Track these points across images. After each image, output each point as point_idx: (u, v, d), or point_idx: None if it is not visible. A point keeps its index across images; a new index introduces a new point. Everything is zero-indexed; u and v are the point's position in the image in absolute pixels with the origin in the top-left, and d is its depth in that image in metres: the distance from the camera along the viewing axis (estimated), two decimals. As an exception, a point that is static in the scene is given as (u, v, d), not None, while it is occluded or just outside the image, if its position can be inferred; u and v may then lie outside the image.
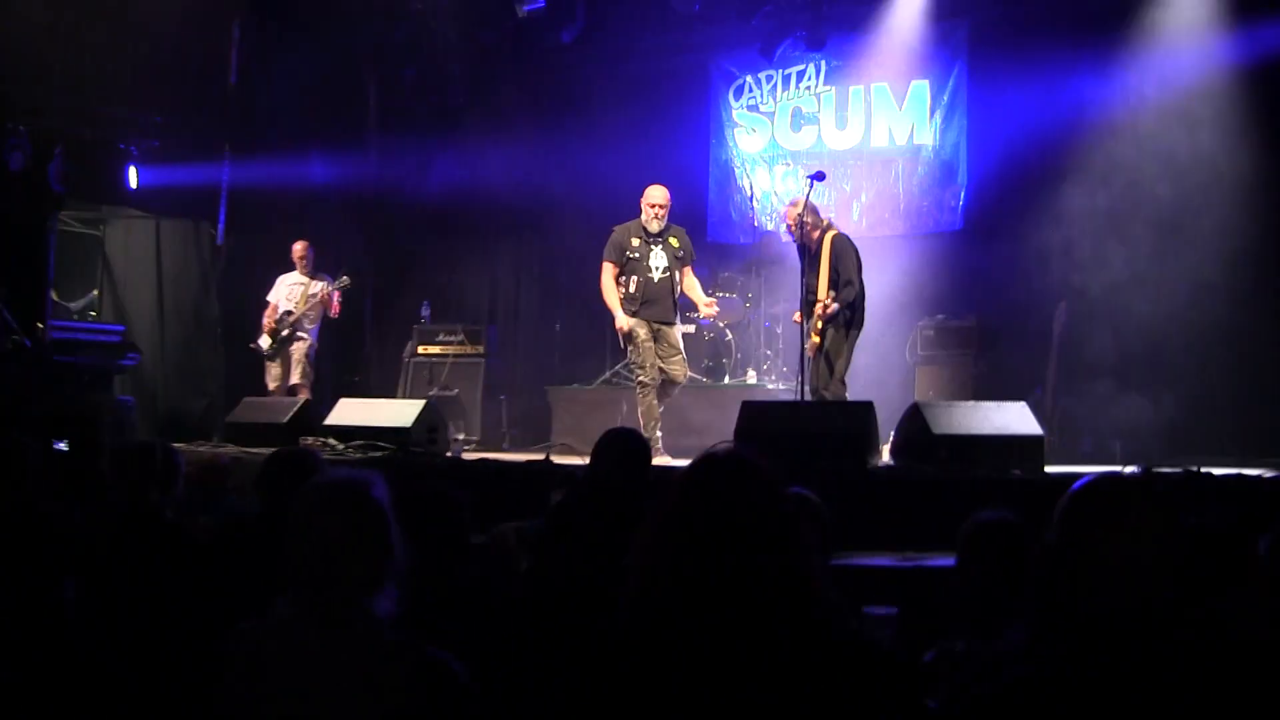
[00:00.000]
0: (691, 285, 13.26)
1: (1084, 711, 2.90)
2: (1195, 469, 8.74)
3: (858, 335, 12.41)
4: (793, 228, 12.50)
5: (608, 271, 12.92)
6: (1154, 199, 13.87)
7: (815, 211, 12.63)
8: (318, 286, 15.55)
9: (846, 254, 12.31)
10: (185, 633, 5.21)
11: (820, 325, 12.19)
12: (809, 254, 12.48)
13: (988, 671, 3.26)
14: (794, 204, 12.69)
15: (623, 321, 12.75)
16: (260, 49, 17.57)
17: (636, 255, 12.87)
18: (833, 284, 12.20)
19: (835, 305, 12.08)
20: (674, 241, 12.98)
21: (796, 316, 12.64)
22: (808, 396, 12.22)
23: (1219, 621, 3.20)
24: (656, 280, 12.83)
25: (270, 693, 3.54)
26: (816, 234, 12.40)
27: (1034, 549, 4.35)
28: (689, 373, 13.11)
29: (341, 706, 3.48)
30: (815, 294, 12.23)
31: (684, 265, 13.05)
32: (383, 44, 18.02)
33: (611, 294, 12.87)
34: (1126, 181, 14.07)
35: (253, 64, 17.61)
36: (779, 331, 15.49)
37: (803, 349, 12.26)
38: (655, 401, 12.70)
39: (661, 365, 12.68)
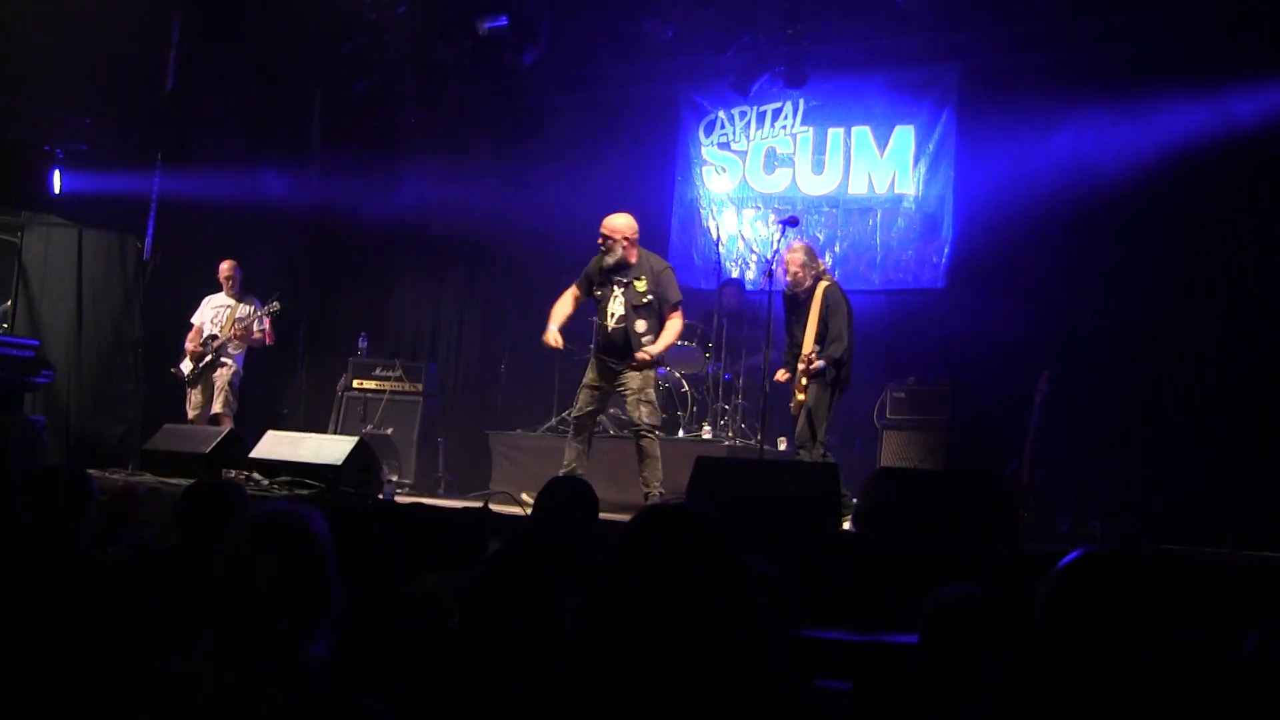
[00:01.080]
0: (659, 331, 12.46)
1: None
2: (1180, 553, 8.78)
3: (839, 395, 12.47)
4: (789, 274, 12.58)
5: (569, 291, 12.74)
6: (1150, 266, 13.88)
7: (815, 257, 12.73)
8: (245, 310, 15.52)
9: (839, 307, 12.41)
10: (91, 669, 5.17)
11: (805, 382, 12.24)
12: (797, 302, 12.54)
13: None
14: (793, 249, 12.77)
15: (548, 334, 12.51)
16: (201, 53, 17.51)
17: (599, 294, 12.54)
18: (819, 337, 12.26)
19: (820, 362, 12.13)
20: (639, 285, 12.29)
21: (781, 374, 12.68)
22: (769, 455, 12.24)
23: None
24: (610, 329, 12.41)
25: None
26: (807, 281, 12.47)
27: (1007, 627, 4.36)
28: (647, 420, 12.35)
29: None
30: (800, 347, 12.30)
31: (650, 313, 12.31)
32: (332, 55, 17.98)
33: (557, 309, 12.68)
34: (1119, 246, 14.08)
35: (192, 68, 17.56)
36: (739, 385, 15.45)
37: (765, 406, 12.29)
38: (573, 446, 12.47)
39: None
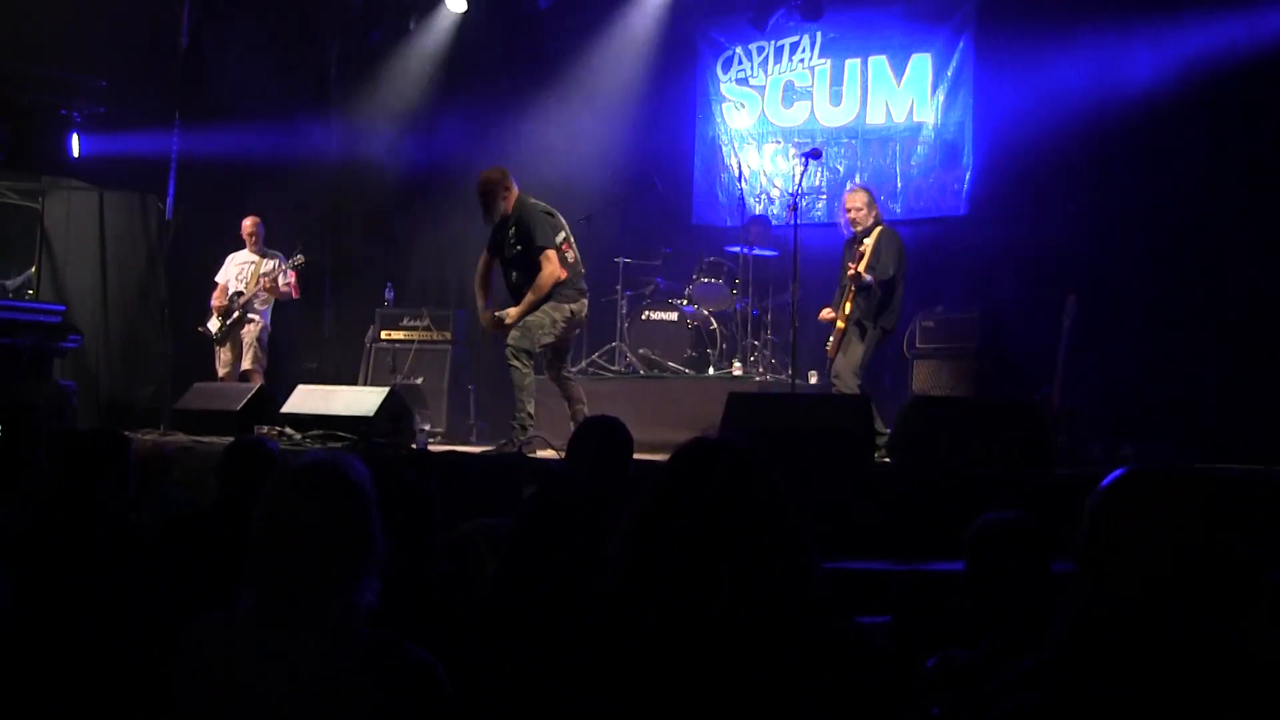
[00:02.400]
0: None
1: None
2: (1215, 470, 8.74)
3: (883, 336, 12.45)
4: (850, 214, 12.60)
5: (481, 259, 12.82)
6: (1175, 186, 13.77)
7: (873, 200, 12.75)
8: (269, 265, 15.49)
9: (893, 244, 12.42)
10: (135, 630, 5.17)
11: (848, 309, 12.23)
12: (855, 243, 12.54)
13: (1002, 692, 3.22)
14: (852, 192, 12.82)
15: (482, 318, 12.74)
16: (214, 10, 17.46)
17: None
18: (870, 268, 12.24)
19: (868, 275, 12.11)
20: (510, 234, 12.36)
21: (826, 312, 12.65)
22: (799, 390, 12.22)
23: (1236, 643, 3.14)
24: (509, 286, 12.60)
25: (233, 691, 3.45)
26: (867, 223, 12.50)
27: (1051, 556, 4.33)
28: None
29: (312, 706, 3.41)
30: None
31: (523, 264, 12.33)
32: (346, 6, 17.93)
33: (478, 283, 12.78)
34: (1145, 167, 13.97)
35: (206, 26, 17.51)
36: (768, 320, 15.42)
37: (795, 340, 12.26)
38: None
39: None
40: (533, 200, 12.39)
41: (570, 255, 12.23)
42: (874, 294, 12.31)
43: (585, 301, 12.64)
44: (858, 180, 16.41)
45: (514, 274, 12.27)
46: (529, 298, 12.08)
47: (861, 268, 12.23)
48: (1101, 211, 14.25)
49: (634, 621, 2.96)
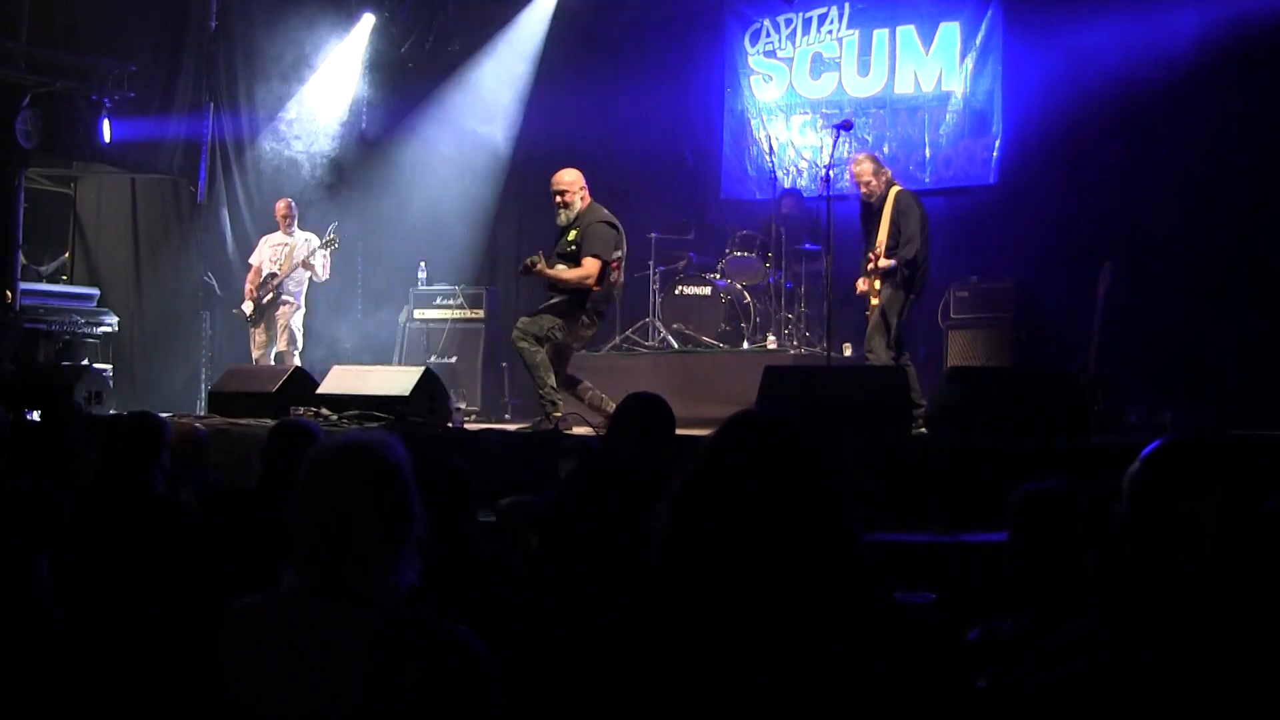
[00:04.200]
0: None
1: (1151, 712, 2.81)
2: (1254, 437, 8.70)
3: (915, 300, 12.42)
4: (861, 185, 12.55)
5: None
6: (1210, 150, 13.70)
7: (881, 163, 12.70)
8: (303, 246, 15.49)
9: (911, 211, 12.37)
10: (176, 610, 5.17)
11: (877, 286, 12.21)
12: (871, 210, 12.51)
13: (1045, 660, 3.19)
14: (857, 160, 12.75)
15: None
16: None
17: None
18: (892, 241, 12.22)
19: (889, 261, 12.10)
20: (570, 235, 12.40)
21: (861, 284, 12.62)
22: (834, 362, 12.20)
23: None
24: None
25: (277, 670, 3.45)
26: (880, 188, 12.44)
27: (1096, 523, 4.29)
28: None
29: (354, 684, 3.39)
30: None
31: (571, 261, 12.38)
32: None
33: None
34: (1179, 132, 13.89)
35: (234, 7, 17.51)
36: (801, 292, 15.37)
37: (829, 312, 12.25)
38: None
39: None
40: (604, 213, 12.45)
41: (614, 275, 12.28)
42: (901, 273, 12.28)
43: (594, 332, 12.86)
44: (886, 150, 16.36)
45: (559, 265, 12.26)
46: (554, 271, 12.15)
47: (881, 258, 12.23)
48: (1134, 177, 14.19)
49: (677, 596, 2.94)
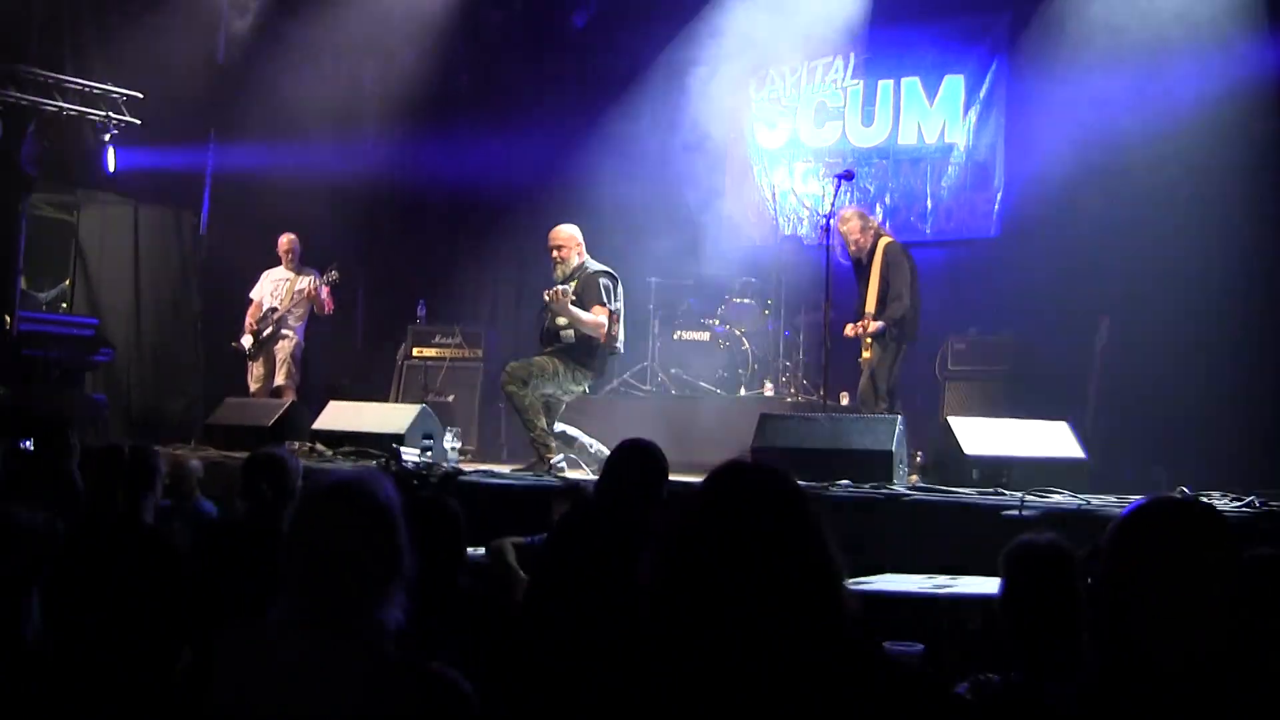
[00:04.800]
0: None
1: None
2: (1251, 498, 8.70)
3: (906, 351, 12.46)
4: (849, 242, 12.59)
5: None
6: (1209, 209, 13.72)
7: (867, 216, 12.73)
8: (304, 282, 15.53)
9: (899, 265, 12.41)
10: (164, 642, 5.18)
11: (870, 343, 12.25)
12: (862, 264, 12.54)
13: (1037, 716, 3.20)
14: (843, 219, 12.75)
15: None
16: (251, 25, 17.49)
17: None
18: (881, 298, 12.26)
19: (877, 324, 12.15)
20: (571, 286, 12.39)
21: (849, 329, 12.63)
22: (830, 410, 12.21)
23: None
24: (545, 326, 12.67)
25: (263, 698, 3.48)
26: (868, 243, 12.46)
27: (1084, 581, 4.30)
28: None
29: (341, 718, 3.42)
30: (866, 305, 12.33)
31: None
32: (381, 22, 17.95)
33: None
34: (1178, 189, 13.91)
35: (242, 41, 17.56)
36: (799, 340, 15.40)
37: (827, 361, 12.27)
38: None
39: None
40: (599, 265, 12.52)
41: (613, 329, 12.30)
42: (890, 332, 12.32)
43: (586, 387, 12.90)
44: (888, 201, 16.46)
45: (558, 320, 12.27)
46: (576, 312, 12.12)
47: (869, 322, 12.27)
48: (1135, 233, 14.19)
49: (664, 643, 2.95)
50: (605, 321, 12.08)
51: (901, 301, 12.27)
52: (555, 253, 12.36)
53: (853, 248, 12.75)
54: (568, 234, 12.43)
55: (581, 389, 12.69)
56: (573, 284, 12.27)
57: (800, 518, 3.01)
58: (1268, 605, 3.28)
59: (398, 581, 3.59)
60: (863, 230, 12.68)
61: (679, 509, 3.09)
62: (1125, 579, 2.99)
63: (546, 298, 12.21)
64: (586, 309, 12.12)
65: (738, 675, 2.85)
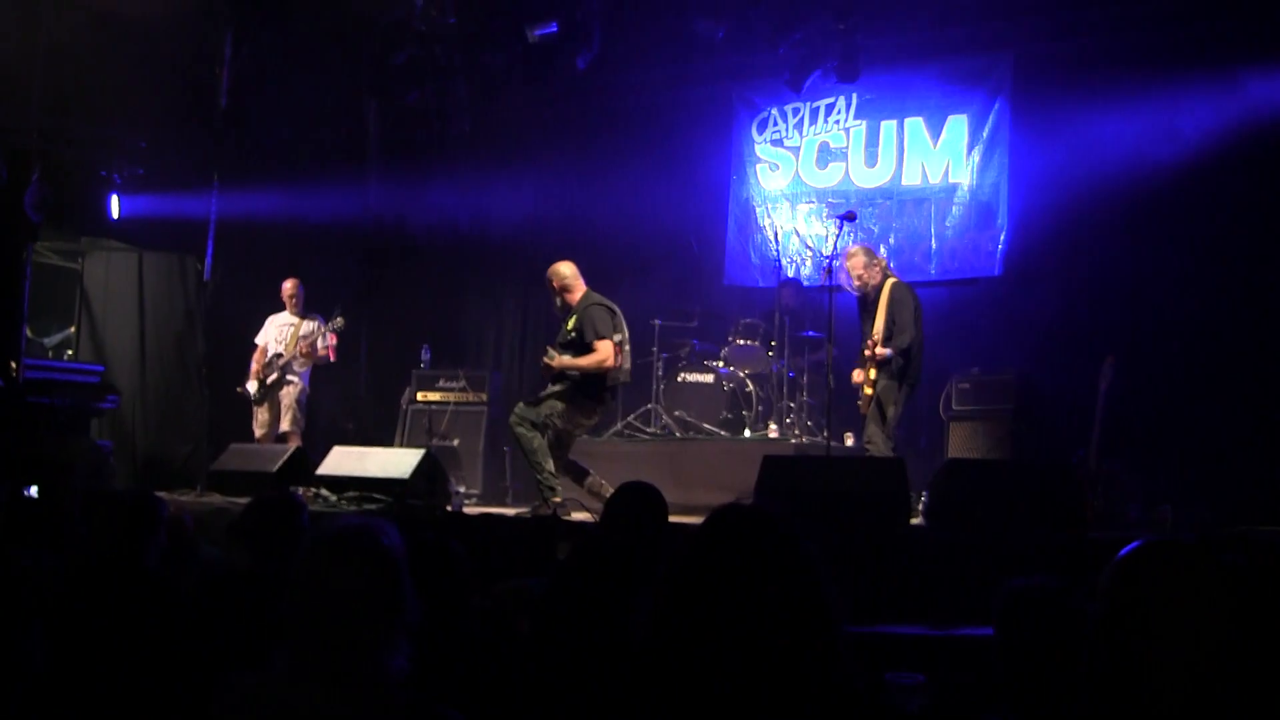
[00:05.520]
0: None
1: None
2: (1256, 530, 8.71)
3: (911, 391, 12.46)
4: (855, 278, 12.60)
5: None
6: (1211, 248, 13.74)
7: (874, 254, 12.77)
8: (309, 327, 15.54)
9: (905, 302, 12.44)
10: (166, 687, 5.19)
11: (873, 375, 12.25)
12: (867, 302, 12.57)
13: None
14: (849, 254, 12.78)
15: None
16: (253, 71, 17.53)
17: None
18: (887, 332, 12.29)
19: (886, 351, 12.16)
20: (568, 324, 12.55)
21: (857, 375, 12.64)
22: (835, 451, 12.21)
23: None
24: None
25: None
26: (875, 282, 12.49)
27: (1082, 622, 4.30)
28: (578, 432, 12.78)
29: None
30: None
31: (573, 349, 12.43)
32: (384, 67, 17.99)
33: None
34: (1183, 226, 13.95)
35: (245, 86, 17.59)
36: (803, 382, 15.40)
37: (830, 402, 12.28)
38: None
39: None
40: (598, 297, 12.54)
41: (618, 359, 12.29)
42: (895, 362, 12.33)
43: (597, 419, 12.98)
44: (891, 241, 16.47)
45: (564, 356, 12.26)
46: (571, 361, 12.17)
47: (878, 346, 12.28)
48: (1138, 272, 14.23)
49: (663, 684, 2.96)
50: (608, 355, 12.09)
51: (907, 334, 12.30)
52: (556, 293, 12.42)
53: (857, 283, 12.79)
54: (566, 271, 12.51)
55: (592, 422, 12.75)
56: (571, 320, 12.35)
57: (797, 560, 3.03)
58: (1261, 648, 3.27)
59: (401, 627, 3.61)
60: (867, 266, 12.72)
61: (677, 552, 3.11)
62: (1121, 620, 2.99)
63: (545, 366, 12.30)
64: (587, 343, 12.17)
65: (735, 715, 2.86)
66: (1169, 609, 2.92)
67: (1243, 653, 2.92)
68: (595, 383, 12.20)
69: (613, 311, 12.39)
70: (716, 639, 2.91)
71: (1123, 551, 3.08)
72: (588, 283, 12.58)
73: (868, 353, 12.39)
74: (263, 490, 11.87)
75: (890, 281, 12.64)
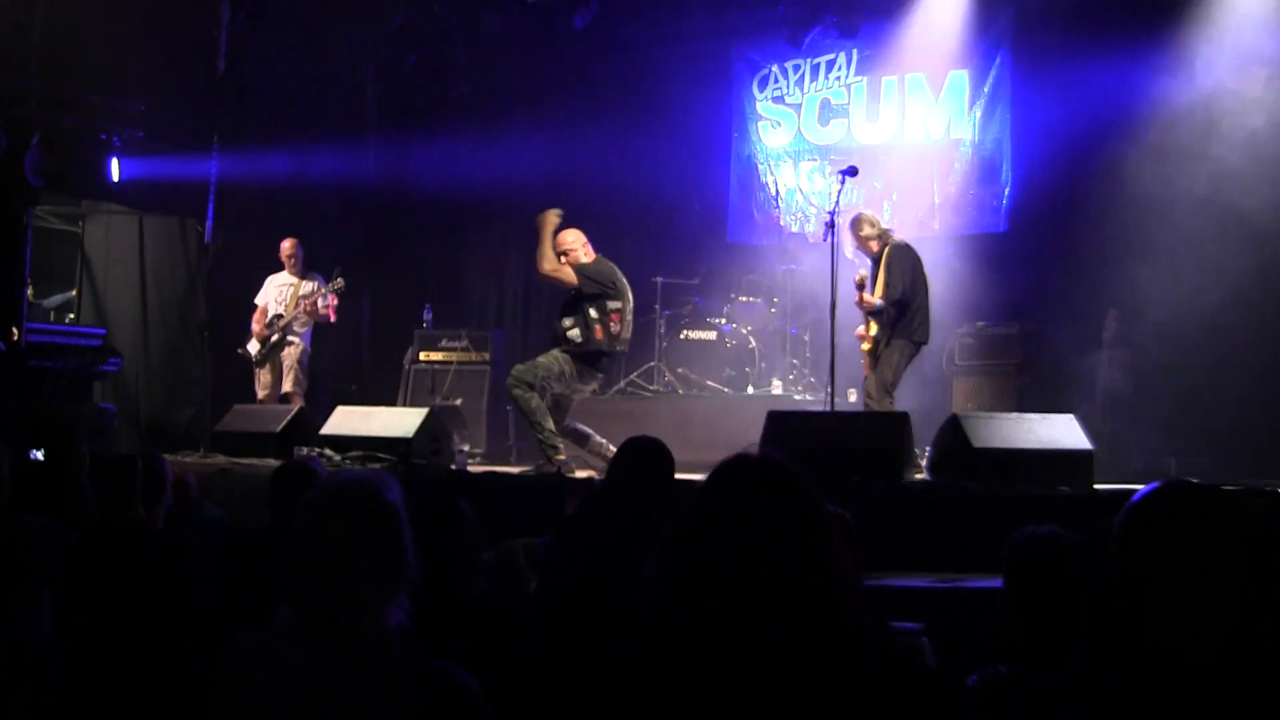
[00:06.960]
0: None
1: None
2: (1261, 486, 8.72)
3: (914, 350, 12.39)
4: (863, 247, 12.58)
5: None
6: (1214, 198, 13.71)
7: (874, 221, 12.71)
8: (308, 287, 15.49)
9: (899, 261, 12.35)
10: (176, 650, 5.20)
11: (873, 330, 12.24)
12: (873, 267, 12.57)
13: (1041, 707, 3.21)
14: (852, 222, 12.74)
15: None
16: (252, 34, 17.49)
17: None
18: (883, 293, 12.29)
19: (874, 300, 12.12)
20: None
21: (860, 330, 12.63)
22: (838, 407, 12.20)
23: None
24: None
25: (269, 707, 3.47)
26: (876, 246, 12.47)
27: (1087, 569, 4.30)
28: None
29: (347, 722, 3.42)
30: None
31: (571, 309, 12.36)
32: (382, 29, 17.96)
33: None
34: (1184, 179, 13.91)
35: (244, 50, 17.54)
36: (806, 339, 15.41)
37: (833, 358, 12.27)
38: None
39: None
40: (605, 262, 12.46)
41: (615, 328, 12.19)
42: (887, 313, 12.28)
43: (596, 386, 12.93)
44: (895, 198, 16.45)
45: (564, 319, 12.25)
46: (878, 304, 12.31)
47: (873, 295, 12.27)
48: (1142, 225, 14.19)
49: (672, 637, 2.96)
50: (565, 275, 12.08)
51: (893, 287, 12.23)
52: (563, 257, 12.31)
53: (866, 251, 12.74)
54: (572, 238, 12.34)
55: (591, 389, 12.70)
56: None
57: (805, 505, 3.02)
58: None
59: (402, 582, 3.57)
60: (867, 237, 12.64)
61: (685, 504, 3.10)
62: (1134, 564, 2.98)
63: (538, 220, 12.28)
64: (583, 307, 12.12)
65: (744, 667, 2.85)
66: (1184, 549, 2.90)
67: (1256, 598, 2.92)
68: (593, 348, 12.10)
69: (612, 271, 12.34)
70: (724, 588, 2.90)
71: (1138, 494, 3.06)
72: (592, 242, 12.49)
73: (856, 302, 12.36)
74: (267, 451, 12.00)
75: (889, 247, 12.58)
